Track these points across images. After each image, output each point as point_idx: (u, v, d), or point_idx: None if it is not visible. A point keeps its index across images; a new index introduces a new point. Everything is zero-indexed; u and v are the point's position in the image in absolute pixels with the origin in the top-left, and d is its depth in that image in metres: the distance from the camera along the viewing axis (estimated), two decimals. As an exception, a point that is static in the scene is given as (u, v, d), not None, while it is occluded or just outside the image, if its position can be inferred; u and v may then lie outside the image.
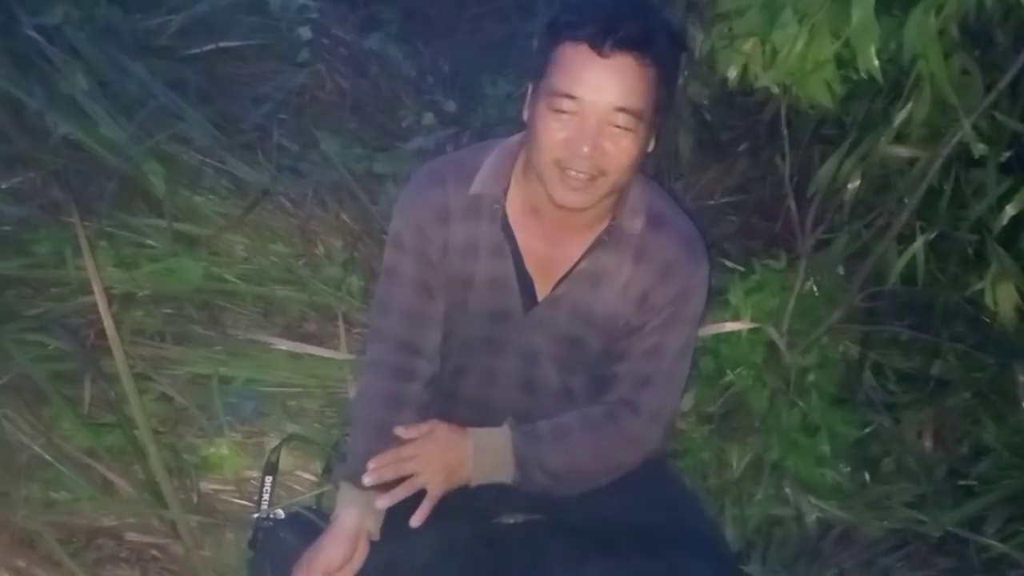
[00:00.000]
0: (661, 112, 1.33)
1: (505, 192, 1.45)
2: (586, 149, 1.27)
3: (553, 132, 1.29)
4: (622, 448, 1.50)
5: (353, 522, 1.43)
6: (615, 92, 1.26)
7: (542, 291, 1.48)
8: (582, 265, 1.44)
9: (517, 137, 1.48)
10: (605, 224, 1.44)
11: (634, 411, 1.49)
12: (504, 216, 1.45)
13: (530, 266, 1.47)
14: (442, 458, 1.40)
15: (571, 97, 1.27)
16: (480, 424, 1.56)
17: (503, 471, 1.44)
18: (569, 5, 1.30)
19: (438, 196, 1.46)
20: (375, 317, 1.58)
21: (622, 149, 1.29)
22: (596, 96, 1.26)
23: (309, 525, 1.64)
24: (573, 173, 1.30)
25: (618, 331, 1.48)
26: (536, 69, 1.33)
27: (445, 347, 1.56)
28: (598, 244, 1.43)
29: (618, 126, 1.28)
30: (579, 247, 1.45)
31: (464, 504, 1.51)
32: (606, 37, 1.24)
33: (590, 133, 1.27)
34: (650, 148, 1.37)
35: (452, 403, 1.59)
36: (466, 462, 1.42)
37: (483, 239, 1.45)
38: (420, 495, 1.42)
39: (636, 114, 1.28)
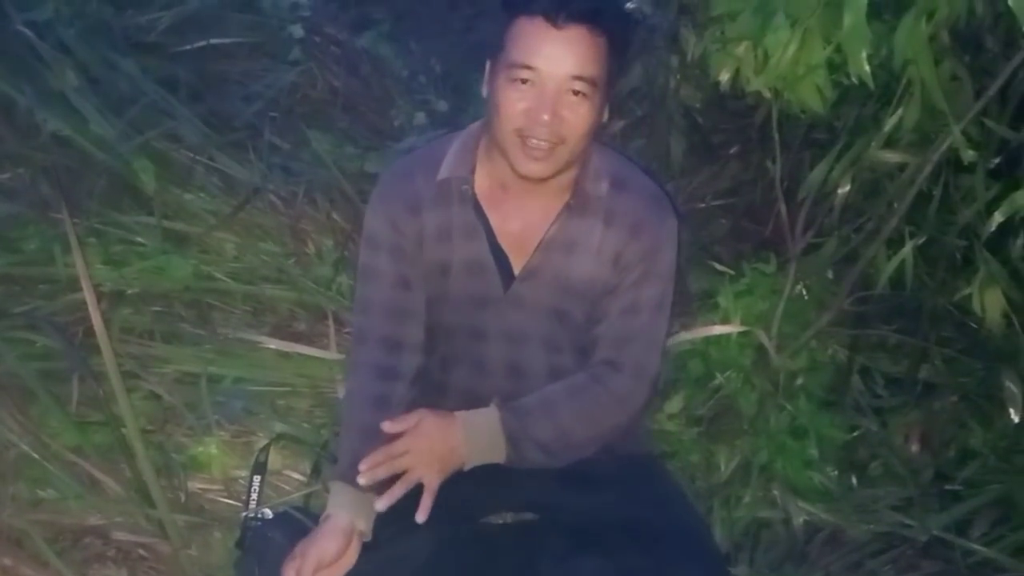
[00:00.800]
0: (613, 82, 1.40)
1: (472, 173, 1.48)
2: (546, 117, 1.32)
3: (513, 102, 1.34)
4: (609, 409, 1.50)
5: (346, 521, 1.44)
6: (571, 61, 1.32)
7: (518, 266, 1.50)
8: (552, 232, 1.46)
9: (478, 122, 1.51)
10: (571, 192, 1.47)
11: (617, 369, 1.49)
12: (473, 196, 1.47)
13: (504, 243, 1.49)
14: (433, 450, 1.40)
15: (529, 67, 1.32)
16: None
17: (495, 451, 1.44)
18: None
19: (407, 188, 1.49)
20: (357, 318, 1.59)
21: (579, 116, 1.34)
22: (553, 66, 1.32)
23: (297, 525, 1.63)
24: (534, 142, 1.34)
25: (596, 296, 1.50)
26: (493, 45, 1.39)
27: (431, 339, 1.57)
28: (565, 210, 1.46)
29: (575, 94, 1.33)
30: (548, 217, 1.47)
31: (454, 505, 1.50)
32: (559, 10, 1.30)
33: (549, 101, 1.32)
34: (605, 117, 1.42)
35: (442, 395, 1.59)
36: (458, 448, 1.42)
37: (456, 222, 1.47)
38: (418, 490, 1.42)
39: (591, 82, 1.33)
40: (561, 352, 1.54)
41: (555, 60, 1.32)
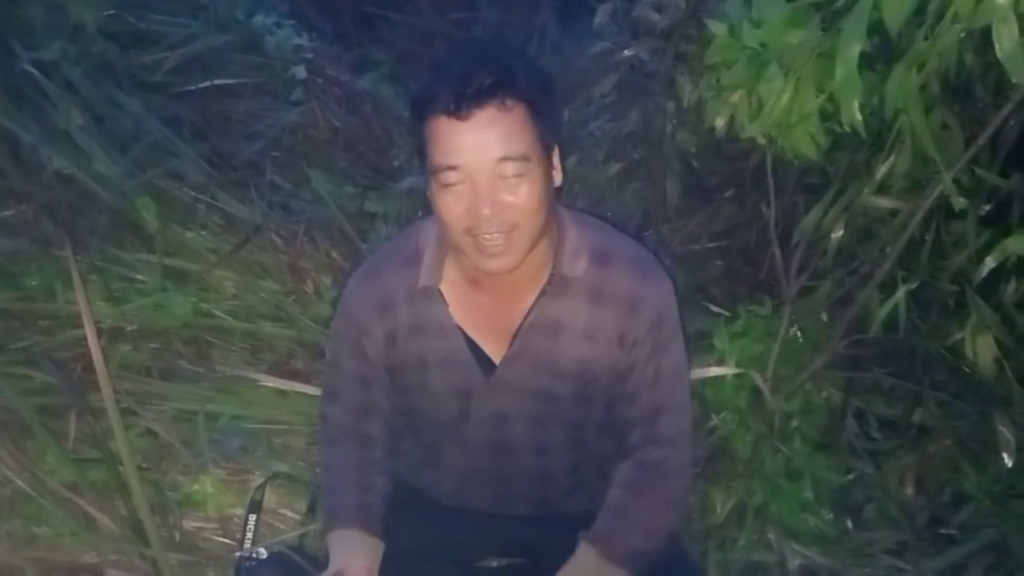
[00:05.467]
0: (549, 143, 1.31)
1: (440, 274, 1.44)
2: (487, 211, 1.25)
3: (450, 207, 1.28)
4: (667, 486, 1.47)
5: (364, 563, 1.43)
6: (491, 146, 1.24)
7: (497, 354, 1.45)
8: (532, 317, 1.41)
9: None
10: (548, 273, 1.41)
11: (656, 444, 1.46)
12: (441, 300, 1.43)
13: (480, 336, 1.44)
14: None
15: (452, 168, 1.25)
16: (462, 494, 1.58)
17: None
18: (422, 83, 1.28)
19: (377, 289, 1.44)
20: (325, 404, 1.58)
21: (522, 196, 1.26)
22: (474, 158, 1.24)
23: (292, 565, 1.63)
24: (487, 238, 1.27)
25: (600, 375, 1.45)
26: (419, 155, 1.32)
27: (414, 425, 1.56)
28: (542, 295, 1.40)
29: (509, 176, 1.25)
30: (527, 301, 1.41)
31: (447, 548, 1.51)
32: (459, 101, 1.22)
33: (484, 195, 1.25)
34: (557, 182, 1.35)
35: (434, 472, 1.59)
36: None
37: (431, 321, 1.43)
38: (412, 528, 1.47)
39: (521, 158, 1.25)
40: (547, 429, 1.50)
41: (475, 151, 1.23)
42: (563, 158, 1.36)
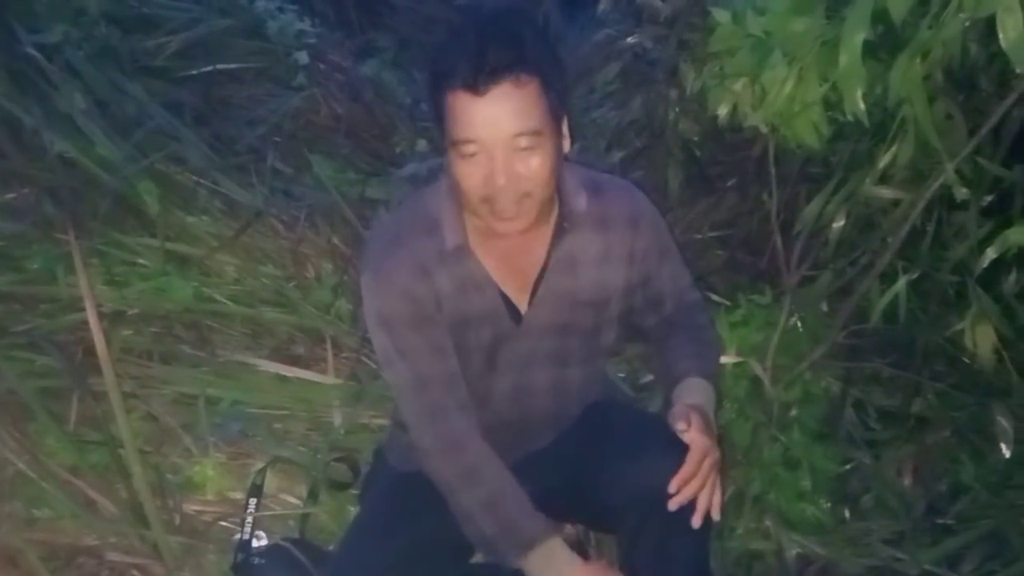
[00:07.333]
0: (559, 114, 1.36)
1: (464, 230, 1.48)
2: (502, 181, 1.32)
3: (469, 176, 1.34)
4: (705, 318, 1.70)
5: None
6: (507, 122, 1.30)
7: (522, 299, 1.50)
8: (551, 261, 1.48)
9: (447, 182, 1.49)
10: (555, 214, 1.48)
11: (683, 304, 1.65)
12: (474, 256, 1.46)
13: (505, 285, 1.49)
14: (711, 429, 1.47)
15: (470, 141, 1.31)
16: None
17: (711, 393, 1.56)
18: (440, 55, 1.33)
19: (409, 257, 1.44)
20: (416, 400, 1.49)
21: (535, 167, 1.33)
22: (491, 132, 1.30)
23: (289, 552, 1.65)
24: (501, 205, 1.34)
25: (616, 297, 1.54)
26: (437, 122, 1.38)
27: None
28: (559, 232, 1.47)
29: (522, 149, 1.31)
30: (542, 244, 1.49)
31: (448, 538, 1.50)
32: (476, 77, 1.27)
33: (500, 166, 1.31)
34: (566, 149, 1.41)
35: None
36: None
37: (468, 279, 1.46)
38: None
39: (534, 132, 1.31)
40: (567, 366, 1.56)
41: (491, 126, 1.29)
42: (571, 125, 1.42)
